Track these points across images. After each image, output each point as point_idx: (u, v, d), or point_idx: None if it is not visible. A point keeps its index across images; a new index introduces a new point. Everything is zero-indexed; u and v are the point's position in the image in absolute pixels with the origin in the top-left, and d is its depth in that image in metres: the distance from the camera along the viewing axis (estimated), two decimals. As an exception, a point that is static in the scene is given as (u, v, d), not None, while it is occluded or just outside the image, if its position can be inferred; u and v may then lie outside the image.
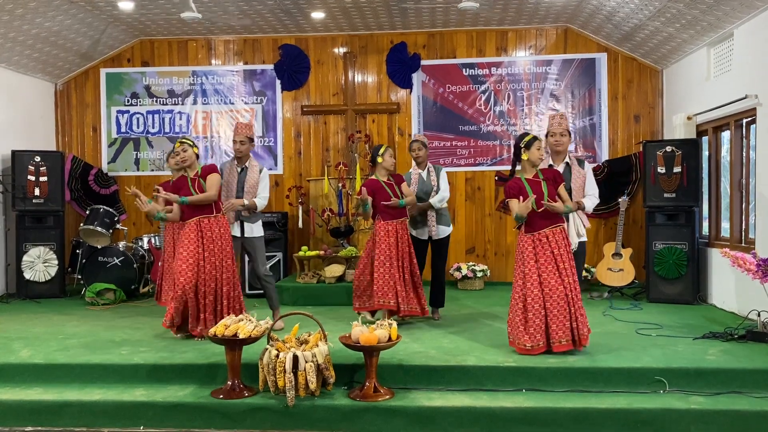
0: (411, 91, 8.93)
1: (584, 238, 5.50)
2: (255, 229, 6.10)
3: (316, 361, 4.25)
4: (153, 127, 9.17)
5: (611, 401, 4.24)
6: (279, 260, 8.19)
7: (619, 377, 4.48)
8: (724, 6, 6.30)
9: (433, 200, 6.16)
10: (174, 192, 5.62)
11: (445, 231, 6.28)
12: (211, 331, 4.46)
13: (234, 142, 6.05)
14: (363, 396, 4.30)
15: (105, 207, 8.04)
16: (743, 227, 6.66)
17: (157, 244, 8.19)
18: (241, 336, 4.36)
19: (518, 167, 5.13)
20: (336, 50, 9.02)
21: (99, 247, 7.88)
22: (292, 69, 8.96)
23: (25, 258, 7.90)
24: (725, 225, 7.09)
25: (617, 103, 8.70)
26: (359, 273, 5.99)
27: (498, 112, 8.83)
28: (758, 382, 4.42)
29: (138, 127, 9.17)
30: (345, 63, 8.96)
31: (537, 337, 4.78)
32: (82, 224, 7.96)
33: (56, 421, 4.33)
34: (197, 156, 5.70)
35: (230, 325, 4.46)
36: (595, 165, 8.48)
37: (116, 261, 7.76)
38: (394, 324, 4.47)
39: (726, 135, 7.06)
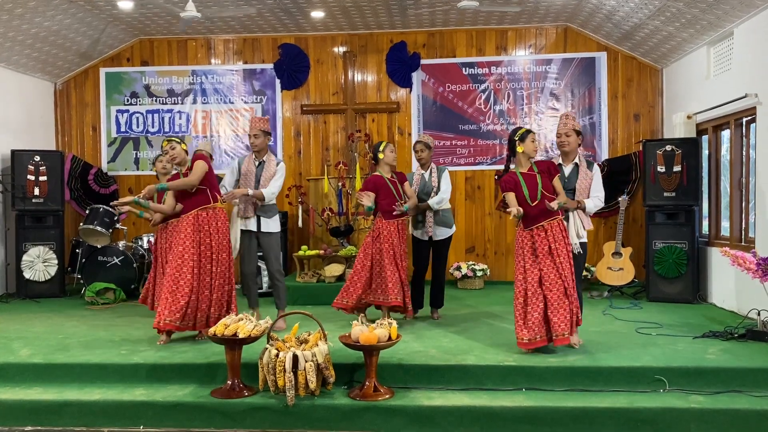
0: (411, 91, 8.93)
1: (584, 239, 5.49)
2: (271, 225, 6.07)
3: (316, 360, 4.24)
4: (153, 127, 9.16)
5: (611, 400, 4.24)
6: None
7: (619, 376, 4.48)
8: (724, 5, 6.29)
9: (431, 201, 6.14)
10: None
11: (445, 232, 6.25)
12: (211, 330, 4.46)
13: (249, 136, 6.09)
14: (363, 395, 4.30)
15: (105, 206, 8.01)
16: (743, 226, 6.66)
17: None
18: (240, 335, 4.36)
19: (512, 166, 5.14)
20: (336, 49, 9.01)
21: (99, 246, 7.87)
22: (292, 68, 8.95)
23: (24, 257, 7.90)
24: (725, 224, 7.09)
25: (617, 102, 8.70)
26: (357, 270, 5.93)
27: (498, 111, 8.83)
28: (758, 381, 4.42)
29: (137, 127, 9.17)
30: (345, 62, 8.96)
31: (535, 330, 4.79)
32: (81, 224, 7.94)
33: (56, 420, 4.33)
34: (186, 152, 5.68)
35: (230, 324, 4.46)
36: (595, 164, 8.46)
37: (116, 260, 7.76)
38: (394, 323, 4.47)
39: (726, 134, 7.06)
